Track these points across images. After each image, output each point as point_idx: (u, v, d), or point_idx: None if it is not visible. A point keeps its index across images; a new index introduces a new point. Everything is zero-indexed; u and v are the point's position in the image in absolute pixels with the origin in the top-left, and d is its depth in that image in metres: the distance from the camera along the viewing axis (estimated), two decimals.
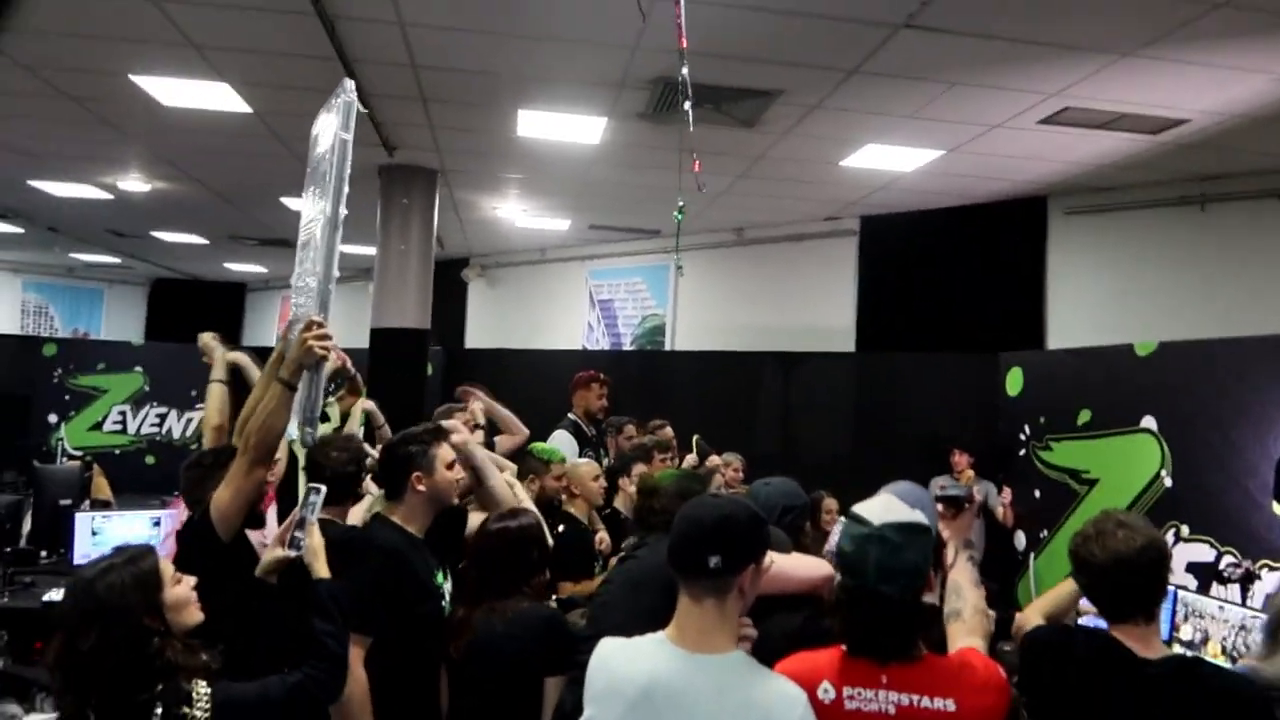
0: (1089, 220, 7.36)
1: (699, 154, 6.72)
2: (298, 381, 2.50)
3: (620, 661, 1.75)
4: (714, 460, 5.42)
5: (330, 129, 2.49)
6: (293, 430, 2.83)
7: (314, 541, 2.21)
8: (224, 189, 8.80)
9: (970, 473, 6.21)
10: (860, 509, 1.85)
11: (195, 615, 1.92)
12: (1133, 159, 6.30)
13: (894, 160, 6.63)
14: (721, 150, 6.61)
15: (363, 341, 8.02)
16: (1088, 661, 1.88)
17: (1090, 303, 7.35)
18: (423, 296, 7.83)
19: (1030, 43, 4.51)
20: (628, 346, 10.77)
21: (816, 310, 8.93)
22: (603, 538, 4.06)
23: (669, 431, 5.65)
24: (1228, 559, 4.59)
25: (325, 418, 4.52)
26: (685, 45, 3.25)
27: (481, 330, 12.55)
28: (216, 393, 3.37)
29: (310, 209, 2.62)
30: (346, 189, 2.54)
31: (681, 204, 4.52)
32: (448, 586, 2.73)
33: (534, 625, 2.49)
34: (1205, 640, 4.05)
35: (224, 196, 9.11)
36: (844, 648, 1.80)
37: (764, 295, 9.48)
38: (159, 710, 1.72)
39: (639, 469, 4.55)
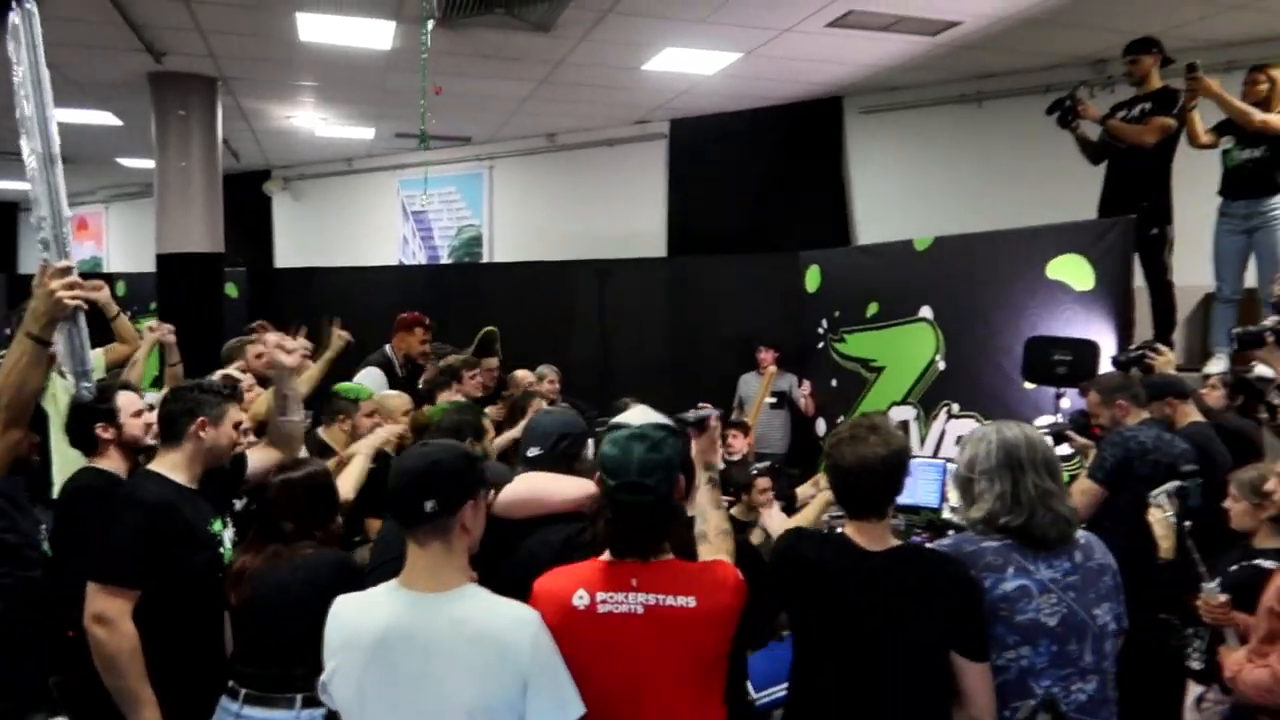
0: (881, 119, 7.71)
1: (497, 59, 6.53)
2: (50, 336, 2.31)
3: (354, 613, 1.78)
4: (526, 376, 5.43)
5: (21, 55, 2.20)
6: (70, 381, 2.62)
7: None
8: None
9: (773, 368, 6.55)
10: (618, 420, 1.97)
11: None
12: (916, 60, 6.60)
13: (695, 63, 6.65)
14: (519, 56, 6.41)
15: (151, 264, 7.42)
16: (820, 560, 2.07)
17: (888, 199, 7.77)
18: (211, 217, 7.26)
19: None
20: (445, 259, 10.50)
21: (630, 215, 8.99)
22: None
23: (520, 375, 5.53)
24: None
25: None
26: None
27: (291, 247, 11.85)
28: None
29: (24, 149, 2.34)
30: (54, 117, 2.28)
31: (424, 130, 4.39)
32: (228, 534, 2.66)
33: (323, 569, 2.44)
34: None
35: None
36: (601, 559, 1.90)
37: (579, 201, 9.43)
38: None
39: (445, 396, 4.50)
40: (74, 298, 2.27)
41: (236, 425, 2.65)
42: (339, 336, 4.56)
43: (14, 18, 2.17)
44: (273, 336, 2.81)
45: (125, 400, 2.84)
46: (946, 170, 7.46)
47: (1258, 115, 4.51)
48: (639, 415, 1.95)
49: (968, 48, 6.27)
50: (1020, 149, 6.88)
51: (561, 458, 2.49)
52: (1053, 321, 4.70)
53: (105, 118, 8.49)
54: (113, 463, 2.80)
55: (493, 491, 1.94)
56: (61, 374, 2.90)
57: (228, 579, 2.50)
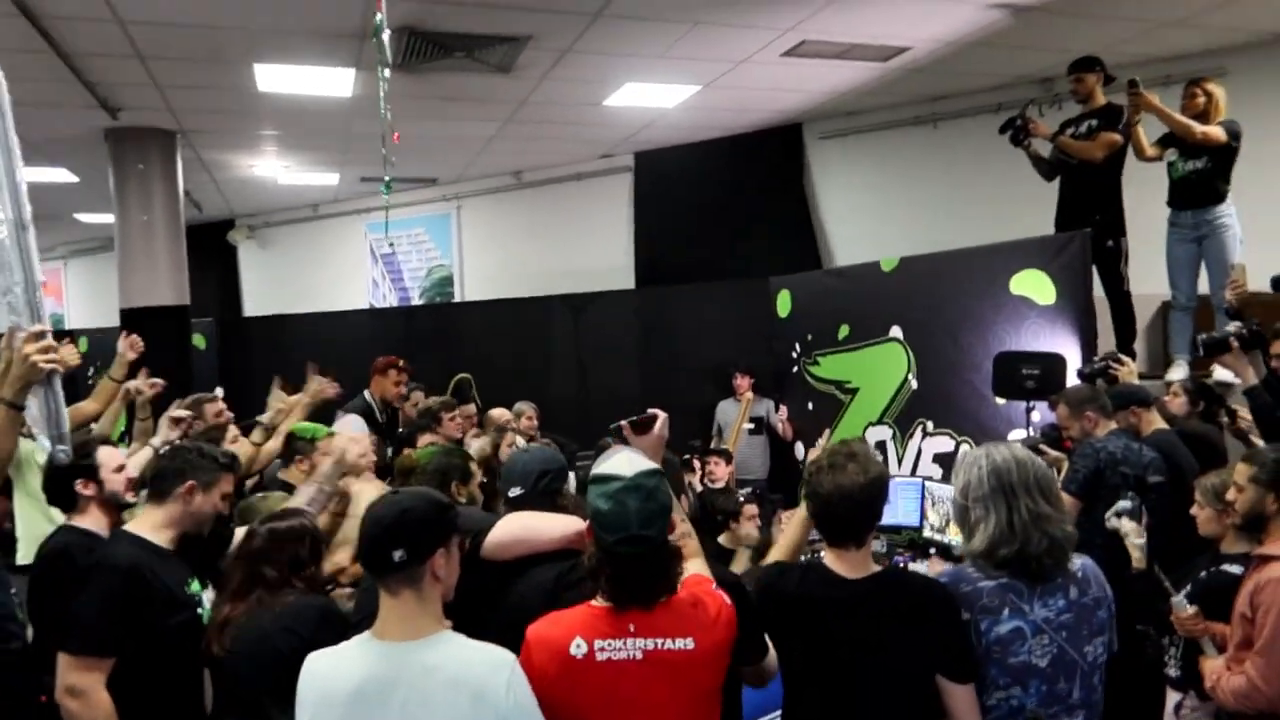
0: (841, 143, 7.85)
1: (460, 101, 6.59)
2: (23, 400, 2.29)
3: (327, 669, 1.77)
4: (503, 414, 5.42)
5: None
6: (45, 444, 2.57)
7: None
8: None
9: (750, 394, 6.59)
10: (605, 469, 1.91)
11: None
12: (869, 85, 6.74)
13: (655, 97, 6.75)
14: (482, 97, 6.48)
15: (113, 320, 7.35)
16: (802, 591, 2.08)
17: (852, 222, 7.89)
18: (176, 269, 7.22)
19: None
20: (416, 300, 10.48)
21: (598, 249, 9.05)
22: None
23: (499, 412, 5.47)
24: (964, 448, 5.17)
25: None
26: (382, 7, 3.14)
27: (260, 296, 11.78)
28: None
29: None
30: (24, 183, 2.28)
31: (388, 177, 4.45)
32: (207, 595, 2.62)
33: (308, 617, 2.37)
34: (949, 523, 4.58)
35: None
36: (595, 603, 1.88)
37: (547, 237, 9.49)
38: None
39: (426, 439, 4.47)
40: (49, 361, 2.27)
41: (225, 496, 2.65)
42: (316, 382, 4.48)
43: None
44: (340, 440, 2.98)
45: (106, 455, 2.81)
46: (907, 191, 7.59)
47: (1198, 128, 4.65)
48: (625, 463, 1.91)
49: (919, 71, 6.41)
50: (976, 167, 7.02)
51: (544, 495, 2.50)
52: (1019, 336, 4.79)
53: (61, 175, 8.43)
54: (93, 520, 2.76)
55: (466, 539, 1.92)
56: (31, 436, 2.86)
57: (210, 629, 2.47)
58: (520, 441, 4.75)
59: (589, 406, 7.29)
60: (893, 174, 7.66)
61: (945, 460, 5.29)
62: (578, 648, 1.80)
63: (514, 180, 9.60)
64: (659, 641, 1.81)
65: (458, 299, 10.16)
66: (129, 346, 4.10)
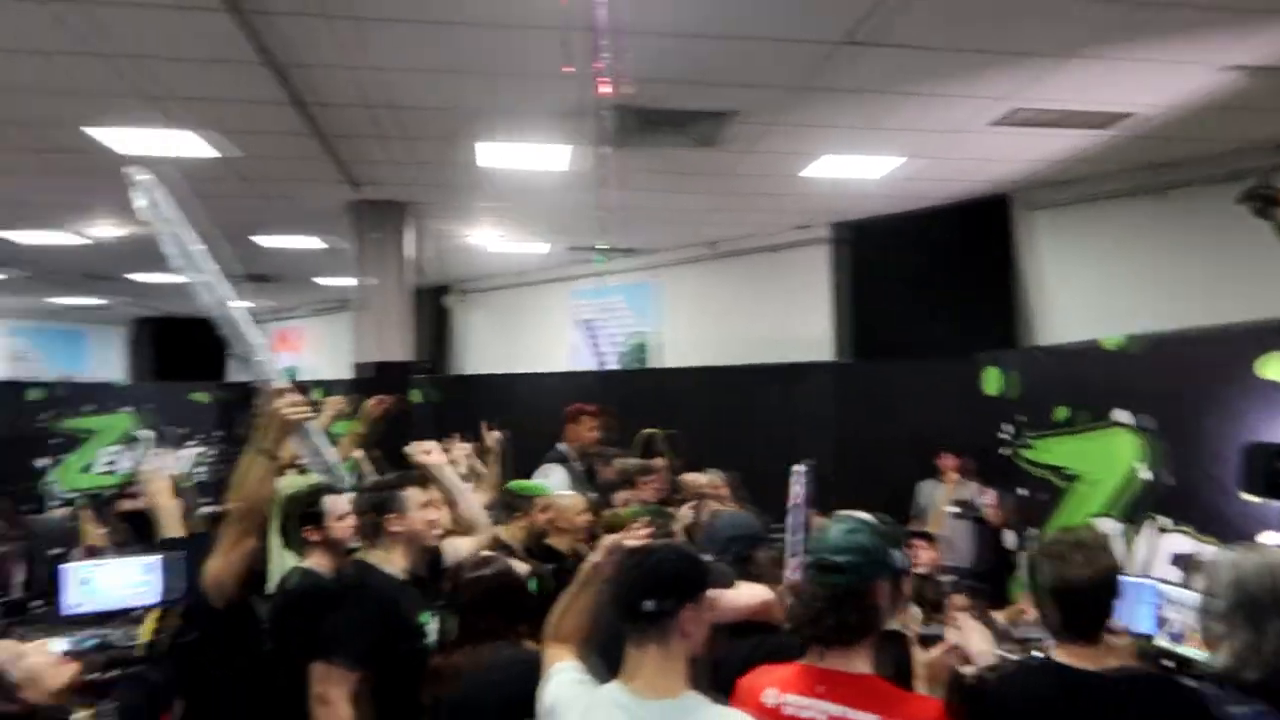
0: (1054, 215, 7.44)
1: (665, 174, 6.84)
2: (278, 450, 2.60)
3: (576, 712, 1.83)
4: (698, 479, 5.39)
5: (162, 228, 2.55)
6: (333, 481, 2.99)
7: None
8: (196, 230, 8.82)
9: (956, 475, 6.24)
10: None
11: (58, 676, 2.11)
12: (1087, 153, 6.36)
13: (856, 168, 6.70)
14: (685, 170, 6.68)
15: (344, 372, 8.10)
16: (1030, 691, 1.92)
17: (1066, 298, 7.41)
18: (403, 328, 7.92)
19: (970, 50, 4.57)
20: (613, 366, 10.81)
21: (794, 319, 9.00)
22: None
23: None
24: (1209, 549, 4.62)
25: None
26: (607, 87, 3.36)
27: (468, 356, 12.62)
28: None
29: (203, 298, 2.71)
30: (207, 268, 2.62)
31: (603, 246, 4.64)
32: (433, 626, 2.78)
33: (518, 671, 2.34)
34: (1189, 633, 4.05)
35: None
36: (802, 661, 1.90)
37: (743, 307, 9.55)
38: None
39: (622, 496, 4.54)
40: (298, 413, 2.56)
41: (424, 504, 2.88)
42: (490, 439, 4.69)
43: (142, 193, 2.49)
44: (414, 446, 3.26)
45: (330, 504, 3.07)
46: (1127, 265, 7.03)
47: None
48: (860, 513, 2.01)
49: (1142, 138, 5.98)
50: (1210, 240, 6.40)
51: (734, 561, 2.51)
52: (1272, 426, 4.27)
53: (314, 242, 9.48)
54: (319, 562, 3.02)
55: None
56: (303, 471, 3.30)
57: (429, 675, 2.57)
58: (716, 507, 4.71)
59: (785, 477, 7.14)
60: (1112, 247, 7.14)
61: (1184, 562, 4.75)
62: (769, 697, 1.88)
63: (709, 250, 9.77)
64: (845, 710, 1.80)
65: (653, 366, 10.37)
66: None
